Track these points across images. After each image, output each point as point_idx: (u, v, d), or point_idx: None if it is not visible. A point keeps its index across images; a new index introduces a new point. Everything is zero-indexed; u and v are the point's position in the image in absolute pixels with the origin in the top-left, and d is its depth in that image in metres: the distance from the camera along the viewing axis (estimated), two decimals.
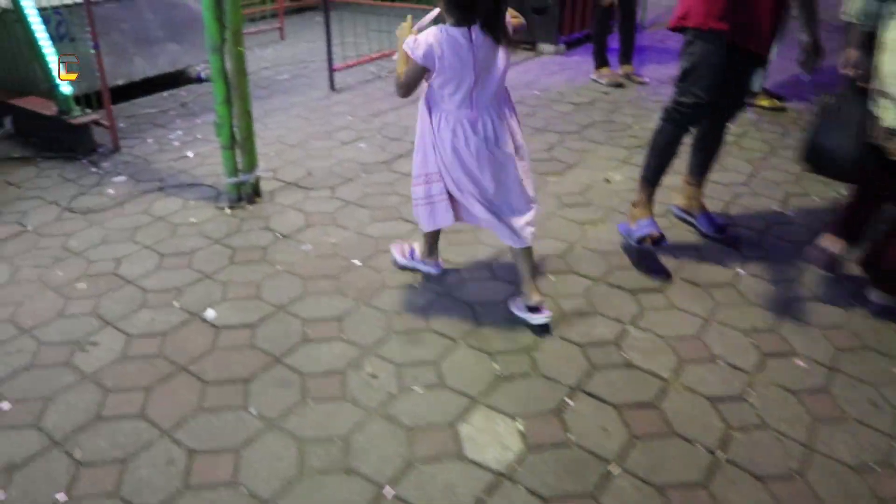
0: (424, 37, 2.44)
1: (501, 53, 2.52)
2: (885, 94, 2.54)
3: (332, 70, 5.90)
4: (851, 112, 2.69)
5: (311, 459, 2.17)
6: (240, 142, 3.66)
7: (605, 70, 6.01)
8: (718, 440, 2.27)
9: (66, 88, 4.46)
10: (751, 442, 2.27)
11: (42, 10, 4.46)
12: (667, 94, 5.75)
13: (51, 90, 4.52)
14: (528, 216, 2.73)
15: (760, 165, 4.36)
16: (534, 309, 2.77)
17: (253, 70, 5.39)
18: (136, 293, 3.03)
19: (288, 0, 9.06)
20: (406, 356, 2.62)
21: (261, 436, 2.26)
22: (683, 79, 3.04)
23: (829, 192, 4.00)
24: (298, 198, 3.89)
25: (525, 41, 7.28)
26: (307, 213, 3.72)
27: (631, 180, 4.10)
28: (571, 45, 7.33)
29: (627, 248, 3.35)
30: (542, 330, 2.78)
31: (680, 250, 3.35)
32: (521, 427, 2.30)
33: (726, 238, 3.44)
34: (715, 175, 3.62)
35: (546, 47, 7.12)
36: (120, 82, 5.42)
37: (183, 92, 5.90)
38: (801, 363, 2.64)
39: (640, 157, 4.39)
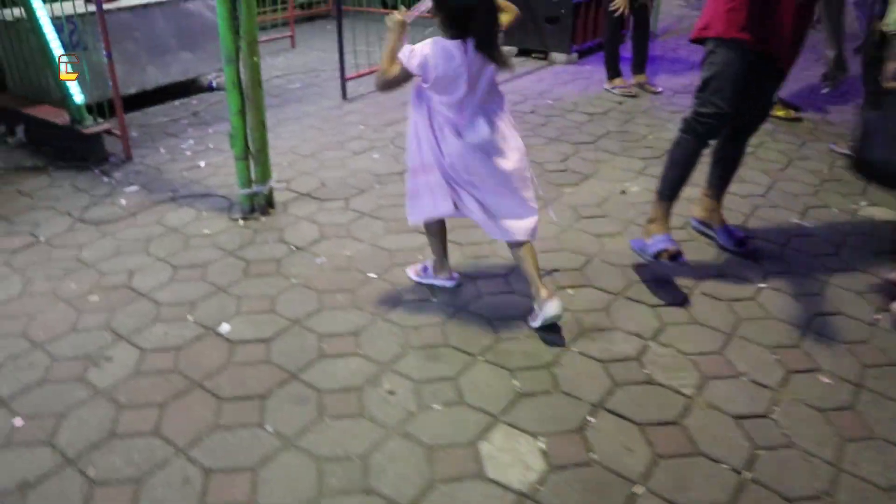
0: (420, 48, 2.45)
1: (492, 70, 2.54)
2: None
3: (344, 79, 5.87)
4: None
5: (330, 479, 2.12)
6: (254, 153, 3.64)
7: (618, 81, 5.97)
8: (744, 460, 2.21)
9: (78, 98, 4.45)
10: (777, 461, 2.22)
11: (55, 19, 4.45)
12: (681, 103, 5.73)
13: (63, 99, 4.51)
14: (525, 218, 2.72)
15: (778, 176, 4.31)
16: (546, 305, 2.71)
17: (264, 79, 5.39)
18: (150, 306, 2.99)
19: (298, 8, 9.06)
20: (424, 372, 2.58)
21: (278, 454, 2.22)
22: (704, 89, 2.99)
23: (849, 204, 3.95)
24: (312, 209, 3.86)
25: (537, 50, 7.25)
26: (321, 224, 3.68)
27: (647, 192, 4.06)
28: (583, 54, 7.30)
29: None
30: (554, 322, 2.72)
31: (700, 264, 3.30)
32: (542, 446, 2.25)
33: (746, 251, 3.39)
34: (733, 187, 3.56)
35: (558, 56, 7.09)
36: (132, 91, 5.41)
37: (194, 101, 5.89)
38: (826, 380, 2.58)
39: (655, 169, 4.36)
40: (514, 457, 2.20)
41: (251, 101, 3.52)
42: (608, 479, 2.14)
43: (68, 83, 4.38)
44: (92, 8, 4.56)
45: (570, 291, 3.08)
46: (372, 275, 3.21)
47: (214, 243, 3.50)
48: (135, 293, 3.10)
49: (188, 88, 6.05)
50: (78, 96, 4.45)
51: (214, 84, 6.20)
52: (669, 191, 3.14)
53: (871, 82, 4.27)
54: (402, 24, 2.54)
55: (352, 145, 4.82)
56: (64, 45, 4.43)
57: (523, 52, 7.36)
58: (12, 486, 2.11)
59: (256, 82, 3.50)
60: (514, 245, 2.79)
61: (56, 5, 4.58)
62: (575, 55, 7.11)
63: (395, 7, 2.39)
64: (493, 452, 2.22)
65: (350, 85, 5.95)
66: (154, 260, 3.36)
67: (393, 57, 2.51)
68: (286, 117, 5.41)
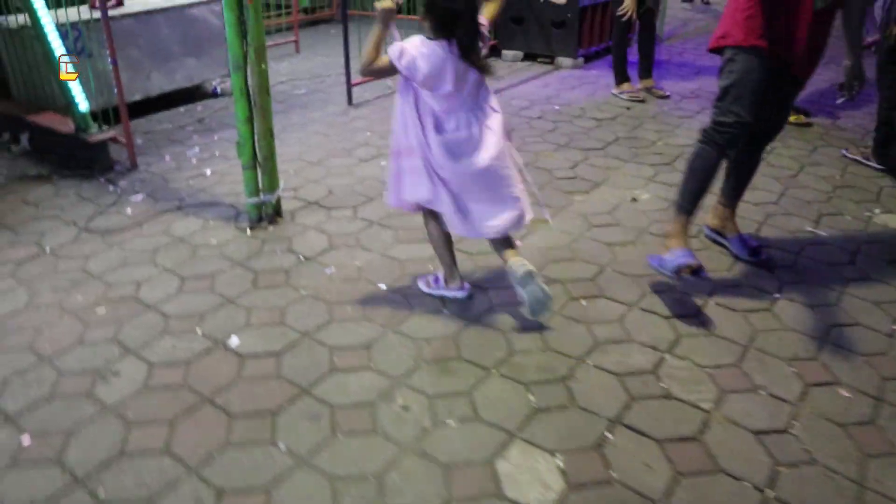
0: (410, 48, 2.50)
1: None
2: None
3: (350, 84, 5.84)
4: None
5: (345, 500, 2.08)
6: (261, 161, 3.59)
7: (626, 86, 5.93)
8: (766, 477, 2.17)
9: (83, 106, 4.41)
10: (800, 479, 2.17)
11: (60, 26, 4.41)
12: (689, 108, 5.70)
13: (68, 107, 4.47)
14: (502, 216, 2.71)
15: (790, 183, 4.27)
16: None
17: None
18: (158, 319, 2.95)
19: (302, 13, 9.02)
20: (438, 387, 2.53)
21: (291, 473, 2.17)
22: (723, 98, 2.94)
23: (863, 212, 3.91)
24: (320, 218, 3.82)
25: (543, 54, 7.22)
26: (330, 234, 3.64)
27: (658, 199, 4.02)
28: (589, 59, 7.26)
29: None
30: (528, 277, 2.70)
31: (714, 274, 3.26)
32: (560, 464, 2.20)
33: (760, 261, 3.35)
34: (745, 194, 3.52)
35: (564, 61, 7.05)
36: (137, 98, 5.38)
37: (199, 107, 5.85)
38: (845, 393, 2.54)
39: (666, 176, 4.33)
40: (533, 475, 2.16)
41: (259, 108, 3.48)
42: (629, 498, 2.09)
43: (73, 91, 4.34)
44: (97, 14, 4.53)
45: (583, 302, 3.04)
46: (382, 286, 3.16)
47: (222, 253, 3.46)
48: (142, 305, 3.06)
49: (192, 94, 6.02)
50: (83, 104, 4.42)
51: (219, 90, 6.17)
52: (689, 204, 3.05)
53: (887, 87, 4.23)
54: (391, 12, 2.54)
55: (359, 152, 4.78)
56: (68, 52, 4.39)
57: (529, 57, 7.32)
58: None
59: (264, 90, 3.46)
60: (498, 243, 2.82)
61: (61, 12, 4.55)
62: (581, 59, 7.08)
63: (400, 10, 2.40)
64: (510, 471, 2.18)
65: (356, 90, 5.92)
66: (161, 271, 3.32)
67: (378, 45, 2.55)
68: (291, 123, 5.37)
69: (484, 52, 2.62)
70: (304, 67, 7.22)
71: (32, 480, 2.16)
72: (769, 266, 3.32)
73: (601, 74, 6.77)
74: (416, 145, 2.67)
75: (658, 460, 2.23)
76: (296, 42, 7.89)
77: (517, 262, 2.73)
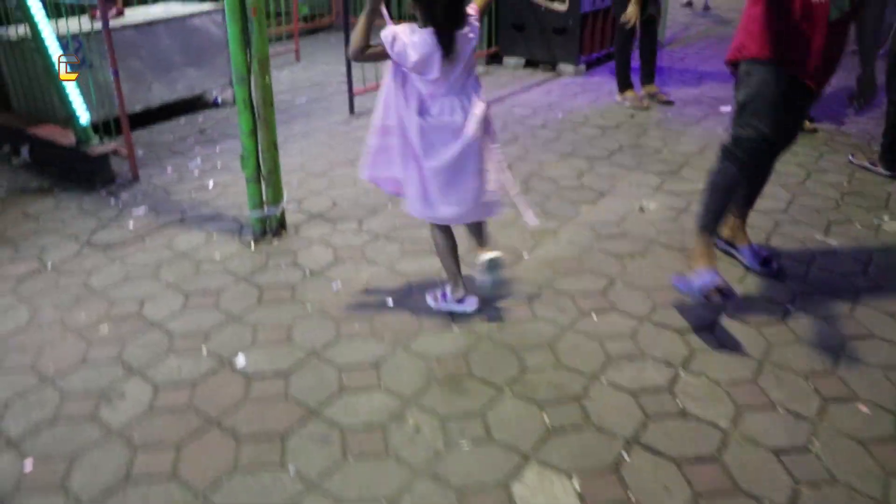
0: (402, 36, 2.52)
1: (468, 52, 2.60)
2: None
3: (351, 94, 5.79)
4: None
5: None
6: (265, 174, 3.55)
7: (629, 93, 5.90)
8: (787, 497, 2.12)
9: (84, 118, 4.37)
10: (821, 499, 2.13)
11: (61, 38, 4.37)
12: (692, 114, 5.66)
13: (69, 119, 4.42)
14: (467, 204, 2.74)
15: (798, 191, 4.23)
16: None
17: None
18: (162, 337, 2.90)
19: (301, 21, 8.98)
20: (450, 407, 2.48)
21: (301, 499, 2.12)
22: (741, 112, 2.87)
23: (872, 219, 3.87)
24: (325, 231, 3.77)
25: (544, 61, 7.18)
26: (335, 247, 3.59)
27: (666, 209, 3.98)
28: (591, 65, 7.23)
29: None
30: (494, 265, 2.75)
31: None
32: (577, 486, 2.15)
33: (772, 271, 3.30)
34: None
35: (566, 68, 7.02)
36: (138, 109, 5.34)
37: (200, 118, 5.81)
38: (864, 409, 2.49)
39: (672, 184, 4.29)
40: (550, 499, 2.11)
41: (263, 120, 3.44)
42: None
43: (74, 103, 4.30)
44: (97, 25, 4.49)
45: (594, 316, 2.99)
46: (389, 301, 3.12)
47: (226, 268, 3.41)
48: (146, 323, 3.01)
49: (193, 105, 5.97)
50: (84, 116, 4.37)
51: (220, 100, 6.13)
52: (712, 223, 2.96)
53: None
54: (379, 2, 2.57)
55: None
56: (69, 64, 4.35)
57: (531, 64, 7.29)
58: None
59: (268, 102, 3.42)
60: (473, 234, 2.88)
61: (61, 23, 4.51)
62: (583, 66, 7.04)
63: (402, 18, 2.40)
64: (526, 494, 2.13)
65: (358, 100, 5.87)
66: (164, 287, 3.27)
67: (368, 30, 2.56)
68: (293, 134, 5.33)
69: (472, 39, 2.61)
70: (304, 76, 7.18)
71: None
72: (781, 276, 3.28)
73: (603, 81, 6.74)
74: (395, 125, 2.70)
75: (676, 481, 2.18)
76: (296, 51, 7.85)
77: (486, 254, 2.80)
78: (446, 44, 2.51)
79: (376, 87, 6.06)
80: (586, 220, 3.86)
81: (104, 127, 4.56)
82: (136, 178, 4.51)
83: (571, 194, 4.19)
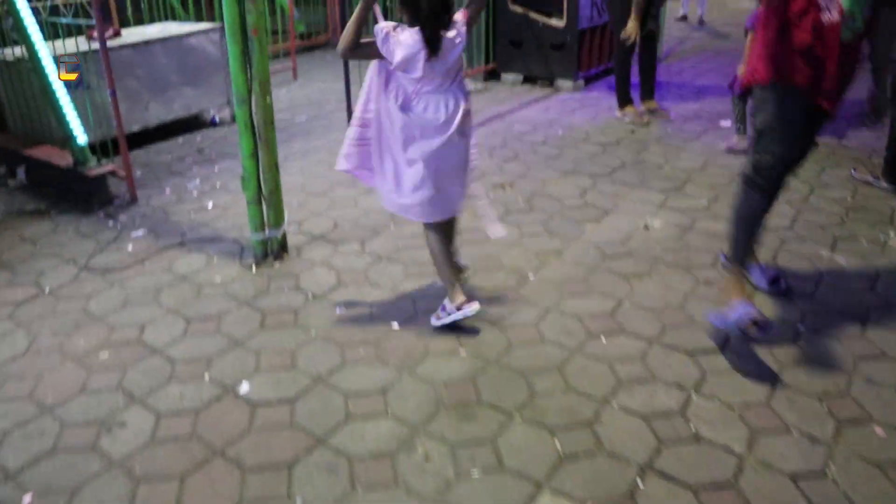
0: (392, 33, 2.60)
1: (454, 56, 2.66)
2: None
3: (351, 111, 5.75)
4: None
5: None
6: (266, 195, 3.51)
7: (629, 109, 5.89)
8: None
9: (81, 139, 4.33)
10: None
11: (57, 58, 4.33)
12: (692, 130, 5.65)
13: (65, 140, 4.38)
14: (432, 201, 2.81)
15: (802, 207, 4.20)
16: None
17: None
18: (164, 364, 2.84)
19: (298, 38, 8.97)
20: (459, 434, 2.43)
21: None
22: (760, 138, 2.82)
23: (878, 234, 3.84)
24: (327, 253, 3.72)
25: (542, 77, 7.18)
26: (338, 270, 3.55)
27: (671, 226, 3.95)
28: (589, 81, 7.23)
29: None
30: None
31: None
32: None
33: (780, 290, 3.27)
34: None
35: (564, 83, 7.02)
36: (135, 128, 5.31)
37: (198, 137, 5.78)
38: (880, 431, 2.44)
39: (676, 201, 4.27)
40: None
41: (264, 142, 3.40)
42: None
43: (71, 124, 4.26)
44: (95, 45, 4.45)
45: (603, 340, 2.94)
46: (394, 324, 3.07)
47: (227, 292, 3.36)
48: (147, 349, 2.95)
49: (191, 124, 5.94)
50: (81, 137, 4.33)
51: (217, 119, 6.10)
52: (742, 254, 2.90)
53: None
54: (372, 0, 2.61)
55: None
56: (66, 84, 4.32)
57: (528, 80, 7.28)
58: None
59: (269, 123, 3.39)
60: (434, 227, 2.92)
61: (58, 43, 4.47)
62: (581, 82, 7.03)
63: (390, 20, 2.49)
64: None
65: None
66: (165, 311, 3.22)
67: (359, 27, 2.62)
68: (293, 153, 5.29)
69: (458, 44, 2.66)
70: (302, 94, 7.16)
71: None
72: (789, 295, 3.24)
73: (601, 97, 6.73)
74: (373, 118, 2.79)
75: None
76: (293, 69, 7.84)
77: (468, 304, 2.93)
78: (431, 43, 2.58)
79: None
80: (591, 239, 3.83)
81: (101, 147, 4.52)
82: (134, 199, 4.46)
83: (575, 213, 4.15)
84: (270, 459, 2.33)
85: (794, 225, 3.97)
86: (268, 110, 3.35)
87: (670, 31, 10.07)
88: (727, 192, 4.38)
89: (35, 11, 4.27)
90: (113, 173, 4.43)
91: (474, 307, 2.93)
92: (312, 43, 9.43)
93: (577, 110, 6.32)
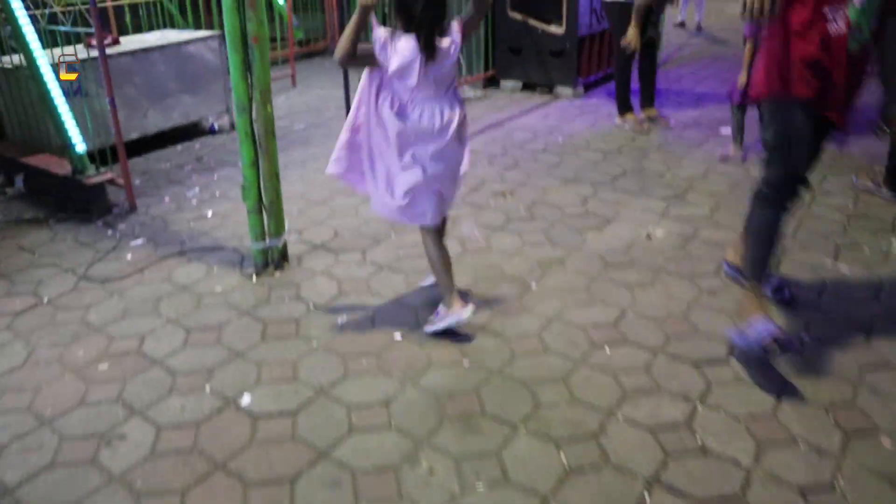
0: (392, 41, 2.63)
1: (448, 64, 2.69)
2: None
3: None
4: None
5: None
6: (267, 205, 3.48)
7: (629, 116, 5.87)
8: None
9: (80, 147, 4.30)
10: None
11: (55, 66, 4.31)
12: (692, 137, 5.64)
13: (64, 148, 4.36)
14: (422, 212, 2.86)
15: (804, 215, 4.19)
16: None
17: None
18: (164, 375, 2.82)
19: (296, 45, 8.95)
20: (463, 447, 2.40)
21: None
22: (771, 154, 2.78)
23: (880, 242, 3.83)
24: (328, 262, 3.70)
25: (541, 84, 7.17)
26: (339, 279, 3.52)
27: (673, 235, 3.93)
28: (588, 87, 7.22)
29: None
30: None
31: (737, 314, 3.15)
32: None
33: (784, 299, 3.25)
34: None
35: (564, 90, 7.00)
36: (133, 136, 5.28)
37: (197, 144, 5.75)
38: (887, 443, 2.42)
39: (678, 210, 4.25)
40: None
41: (264, 151, 3.38)
42: None
43: (70, 132, 4.23)
44: (94, 53, 4.43)
45: (607, 350, 2.92)
46: (397, 335, 3.04)
47: (228, 302, 3.34)
48: (147, 360, 2.92)
49: (190, 132, 5.92)
50: (80, 145, 4.31)
51: (216, 126, 6.07)
52: (759, 271, 2.84)
53: None
54: (369, 8, 2.59)
55: None
56: (65, 92, 4.30)
57: (528, 87, 7.27)
58: None
59: (270, 133, 3.37)
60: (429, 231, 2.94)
61: (56, 51, 4.45)
62: (581, 89, 7.02)
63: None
64: None
65: None
66: (165, 322, 3.19)
67: (356, 37, 2.62)
68: (292, 161, 5.27)
69: (453, 53, 2.69)
70: (301, 101, 7.14)
71: None
72: (793, 305, 3.22)
73: (601, 104, 6.72)
74: (363, 122, 2.81)
75: None
76: (292, 76, 7.82)
77: (469, 311, 2.95)
78: (427, 49, 2.60)
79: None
80: (593, 248, 3.81)
81: (100, 155, 4.49)
82: (133, 207, 4.43)
83: (576, 221, 4.14)
84: (272, 473, 2.31)
85: (797, 233, 3.96)
86: (269, 119, 3.33)
87: (668, 37, 10.07)
88: (729, 201, 4.37)
89: (33, 19, 4.24)
90: (112, 181, 4.40)
91: (468, 311, 2.92)
92: (311, 49, 9.41)
93: (577, 117, 6.31)
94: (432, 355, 2.89)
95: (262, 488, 2.25)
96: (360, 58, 2.68)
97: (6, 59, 4.76)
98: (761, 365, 2.80)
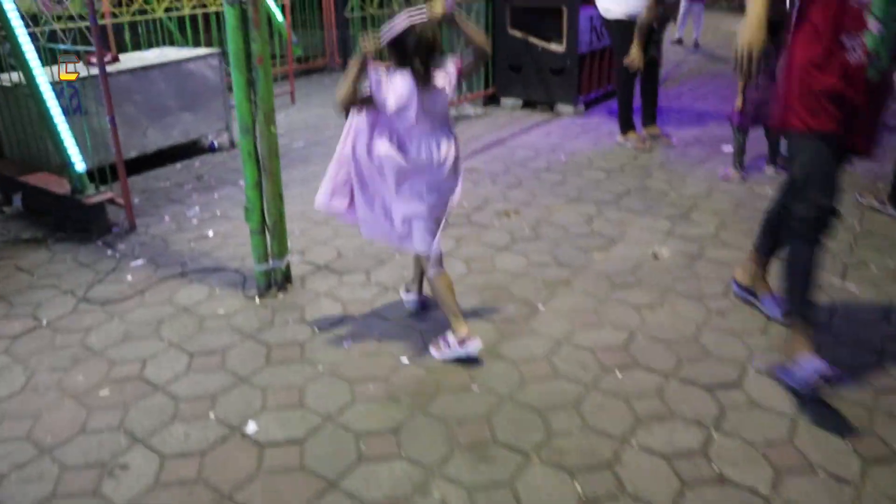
0: (385, 80, 2.65)
1: (442, 95, 2.72)
2: None
3: None
4: None
5: None
6: (270, 226, 3.43)
7: (631, 134, 5.86)
8: None
9: (79, 166, 4.25)
10: None
11: (55, 84, 4.27)
12: (695, 155, 5.62)
13: (63, 166, 4.31)
14: (421, 236, 2.87)
15: None
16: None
17: None
18: (167, 402, 2.75)
19: (296, 62, 8.94)
20: (476, 476, 2.35)
21: None
22: (800, 189, 2.73)
23: (887, 261, 3.79)
24: (332, 283, 3.65)
25: (542, 102, 7.16)
26: (344, 301, 3.47)
27: (680, 255, 3.89)
28: (589, 105, 7.21)
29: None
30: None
31: (748, 336, 3.12)
32: None
33: None
34: None
35: (565, 108, 6.99)
36: (133, 154, 5.23)
37: (197, 163, 5.71)
38: None
39: (683, 229, 4.22)
40: None
41: (268, 172, 3.33)
42: None
43: (69, 150, 4.18)
44: (94, 71, 4.40)
45: (618, 374, 2.87)
46: (404, 359, 2.99)
47: (231, 325, 3.28)
48: (149, 386, 2.86)
49: (189, 150, 5.88)
50: (79, 164, 4.26)
51: (215, 144, 6.04)
52: (802, 305, 2.77)
53: None
54: (370, 55, 2.63)
55: None
56: (64, 110, 4.26)
57: (528, 105, 7.26)
58: None
59: (274, 153, 3.33)
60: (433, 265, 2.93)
61: (56, 69, 4.41)
62: (582, 107, 7.01)
63: (382, 56, 2.52)
64: None
65: None
66: (167, 345, 3.13)
67: (356, 84, 2.65)
68: (293, 179, 5.21)
69: (447, 88, 2.73)
70: (300, 118, 7.11)
71: None
72: None
73: (602, 121, 6.71)
74: (349, 156, 2.83)
75: None
76: (291, 93, 7.80)
77: (477, 344, 2.93)
78: (422, 83, 2.63)
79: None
80: (600, 268, 3.77)
81: (99, 174, 4.45)
82: (133, 227, 4.38)
83: (582, 241, 4.10)
84: None
85: None
86: (272, 141, 3.29)
87: (666, 54, 10.06)
88: (733, 220, 4.34)
89: (33, 37, 4.21)
90: (111, 201, 4.35)
91: (476, 345, 2.89)
92: (310, 66, 9.41)
93: (580, 135, 6.29)
94: (440, 380, 2.84)
95: None
96: (360, 100, 2.71)
97: (5, 76, 4.72)
98: (766, 388, 2.75)
